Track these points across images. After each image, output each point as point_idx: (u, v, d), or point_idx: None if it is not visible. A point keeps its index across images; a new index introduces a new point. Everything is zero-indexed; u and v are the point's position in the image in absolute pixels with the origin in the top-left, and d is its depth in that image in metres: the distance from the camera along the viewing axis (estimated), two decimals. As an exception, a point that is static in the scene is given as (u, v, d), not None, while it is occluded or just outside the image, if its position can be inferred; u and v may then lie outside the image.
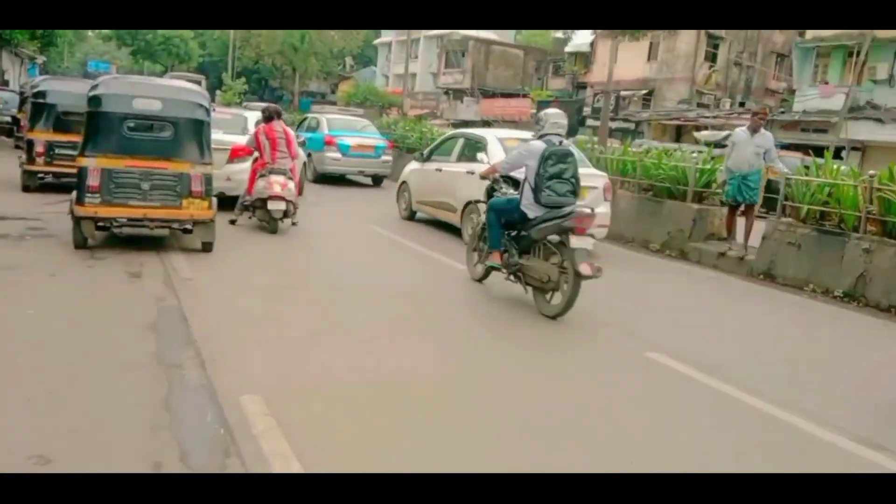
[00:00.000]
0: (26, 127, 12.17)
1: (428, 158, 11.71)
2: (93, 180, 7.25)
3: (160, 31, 59.24)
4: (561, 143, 6.77)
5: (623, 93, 37.35)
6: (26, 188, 11.23)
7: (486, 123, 39.19)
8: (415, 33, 60.20)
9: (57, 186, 11.13)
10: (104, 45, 69.26)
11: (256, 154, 10.00)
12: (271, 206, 9.47)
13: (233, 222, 9.97)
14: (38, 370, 4.33)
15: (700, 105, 35.87)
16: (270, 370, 4.67)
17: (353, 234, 10.85)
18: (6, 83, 27.72)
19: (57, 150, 11.09)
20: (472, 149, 10.29)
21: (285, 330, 5.60)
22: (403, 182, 12.37)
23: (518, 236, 6.90)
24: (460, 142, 11.03)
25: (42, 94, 11.34)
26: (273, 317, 5.95)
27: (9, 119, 20.23)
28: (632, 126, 35.37)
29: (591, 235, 6.31)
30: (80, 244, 7.54)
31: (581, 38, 47.39)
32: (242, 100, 44.05)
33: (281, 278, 7.56)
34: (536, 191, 6.55)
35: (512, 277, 6.97)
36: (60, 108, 11.21)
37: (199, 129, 7.78)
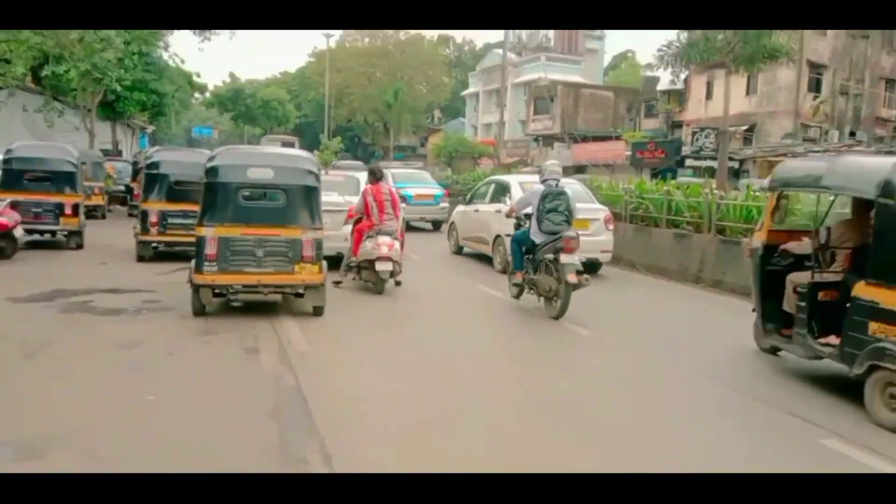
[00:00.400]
0: (140, 197, 12.54)
1: (469, 202, 13.89)
2: (210, 249, 7.44)
3: (259, 96, 62.17)
4: (557, 184, 8.79)
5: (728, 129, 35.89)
6: (141, 258, 11.44)
7: (579, 169, 38.53)
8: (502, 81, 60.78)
9: (169, 255, 11.30)
10: (207, 111, 73.22)
11: (360, 214, 10.06)
12: (379, 266, 9.47)
13: (337, 284, 9.86)
14: (161, 469, 4.02)
15: (807, 139, 34.01)
16: (404, 467, 4.20)
17: (454, 291, 10.54)
18: (120, 153, 29.34)
19: (170, 220, 11.30)
20: (500, 192, 12.67)
21: (411, 413, 5.15)
22: (452, 223, 14.58)
23: (532, 258, 8.89)
24: (492, 186, 13.28)
25: (155, 164, 11.65)
26: (396, 396, 5.51)
27: (122, 188, 21.24)
28: (735, 164, 33.83)
29: (596, 260, 9.26)
30: (199, 311, 7.68)
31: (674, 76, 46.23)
32: (338, 157, 45.18)
33: (396, 347, 7.16)
34: (539, 222, 8.65)
35: (532, 292, 8.94)
36: (173, 177, 11.49)
37: (309, 195, 7.90)
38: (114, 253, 12.27)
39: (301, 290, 7.87)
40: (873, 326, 5.28)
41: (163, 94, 27.19)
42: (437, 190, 19.46)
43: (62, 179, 12.33)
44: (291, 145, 48.16)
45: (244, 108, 62.51)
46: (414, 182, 19.38)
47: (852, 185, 5.90)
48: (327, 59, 50.73)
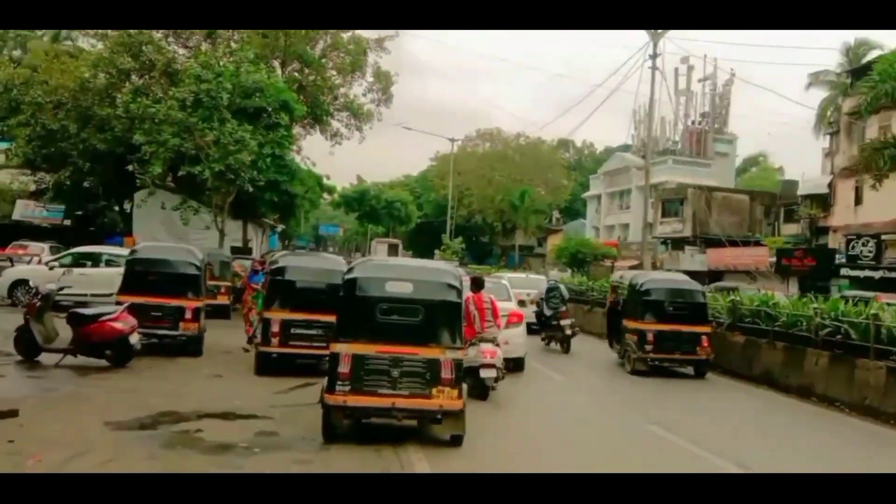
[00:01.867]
0: (260, 303, 11.69)
1: None
2: (343, 367, 6.85)
3: (383, 197, 63.51)
4: (555, 283, 17.59)
5: (885, 237, 32.33)
6: (259, 371, 10.36)
7: (715, 276, 35.83)
8: (626, 184, 59.20)
9: (290, 367, 10.20)
10: (334, 210, 75.58)
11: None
12: (483, 373, 9.55)
13: None
14: None
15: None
16: None
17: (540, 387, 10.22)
18: (250, 251, 29.57)
19: (293, 330, 10.20)
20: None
21: None
22: None
23: (547, 324, 16.37)
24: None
25: (280, 270, 10.65)
26: None
27: (248, 286, 20.83)
28: (898, 274, 30.06)
29: (571, 324, 15.88)
30: (330, 436, 7.02)
31: (816, 180, 43.26)
32: (457, 258, 44.45)
33: None
34: (546, 303, 16.20)
35: (551, 342, 16.38)
36: (298, 284, 10.50)
37: (451, 312, 7.25)
38: (232, 362, 11.32)
39: (438, 417, 7.05)
40: (626, 336, 13.26)
41: (294, 195, 27.36)
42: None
43: (184, 282, 11.60)
44: (396, 247, 49.88)
45: (369, 209, 63.90)
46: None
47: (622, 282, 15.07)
48: (451, 161, 51.14)
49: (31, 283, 11.37)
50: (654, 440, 8.25)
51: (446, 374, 6.94)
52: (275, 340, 10.24)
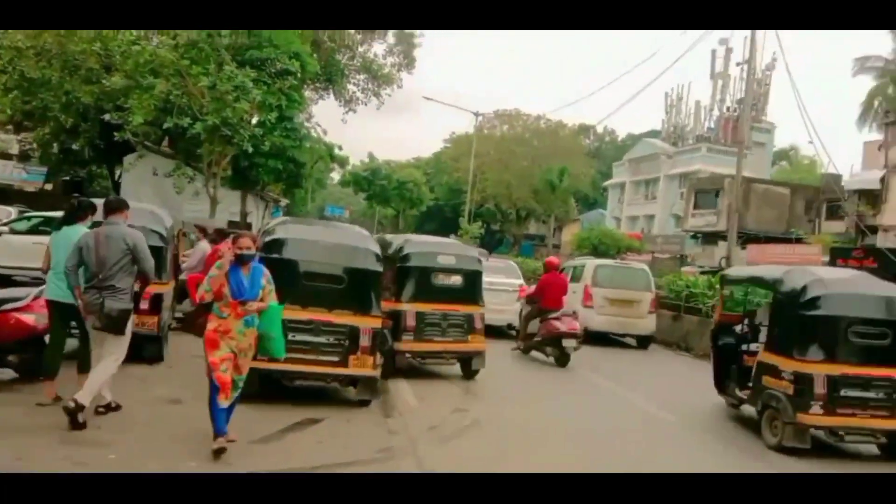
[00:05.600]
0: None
1: None
2: (410, 321, 9.05)
3: (395, 177, 60.07)
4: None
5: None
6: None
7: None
8: (654, 172, 55.64)
9: (284, 392, 6.94)
10: (341, 190, 72.24)
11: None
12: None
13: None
14: None
15: None
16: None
17: None
18: (248, 226, 26.40)
19: (292, 336, 6.80)
20: None
21: None
22: None
23: None
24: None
25: (277, 244, 7.19)
26: None
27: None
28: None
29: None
30: (388, 375, 8.66)
31: (865, 174, 40.01)
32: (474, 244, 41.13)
33: None
34: None
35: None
36: (303, 267, 7.13)
37: (477, 278, 9.82)
38: (201, 374, 7.83)
39: (471, 357, 9.58)
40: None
41: (301, 164, 24.10)
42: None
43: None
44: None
45: (379, 189, 60.49)
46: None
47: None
48: (474, 139, 47.58)
49: None
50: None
51: (478, 324, 9.41)
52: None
